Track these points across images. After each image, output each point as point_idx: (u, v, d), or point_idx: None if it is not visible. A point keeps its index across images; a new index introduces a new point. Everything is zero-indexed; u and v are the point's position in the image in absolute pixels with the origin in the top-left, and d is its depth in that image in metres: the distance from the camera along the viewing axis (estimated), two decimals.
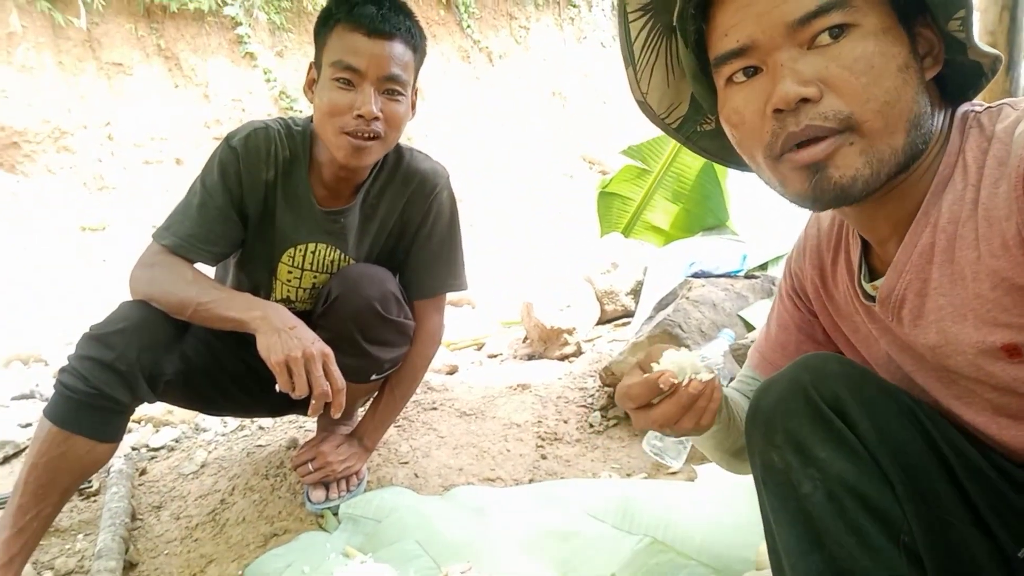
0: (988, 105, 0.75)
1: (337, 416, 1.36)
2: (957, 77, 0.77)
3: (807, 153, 0.71)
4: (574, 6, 9.90)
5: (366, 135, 1.39)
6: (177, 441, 2.11)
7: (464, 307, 3.94)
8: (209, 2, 6.76)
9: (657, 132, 3.62)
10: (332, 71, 1.37)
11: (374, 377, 1.66)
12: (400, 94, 1.42)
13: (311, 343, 1.31)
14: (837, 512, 0.80)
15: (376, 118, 1.38)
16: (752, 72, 0.74)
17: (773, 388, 0.89)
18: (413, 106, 1.50)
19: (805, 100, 0.69)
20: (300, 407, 1.82)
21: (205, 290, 1.38)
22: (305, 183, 1.53)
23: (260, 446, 1.96)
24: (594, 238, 3.76)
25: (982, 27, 2.38)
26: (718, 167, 3.28)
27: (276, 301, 1.62)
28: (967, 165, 0.73)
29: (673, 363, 0.86)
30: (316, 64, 1.44)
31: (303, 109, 7.30)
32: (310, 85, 1.46)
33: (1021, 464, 0.78)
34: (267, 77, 7.23)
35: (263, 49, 7.27)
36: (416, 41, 1.44)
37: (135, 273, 1.42)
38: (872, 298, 0.85)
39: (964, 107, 0.77)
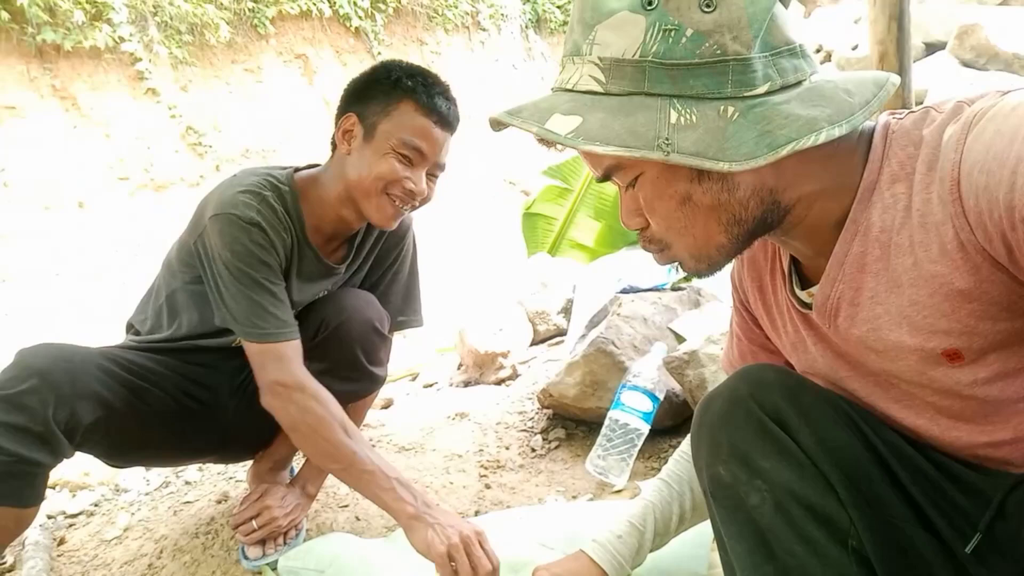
0: (910, 111, 0.76)
1: None
2: None
3: (658, 261, 0.85)
4: (483, 30, 10.01)
5: (407, 206, 1.45)
6: (96, 505, 1.98)
7: (396, 337, 3.87)
8: (106, 39, 6.51)
9: (575, 152, 3.68)
10: (397, 143, 1.40)
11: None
12: (438, 176, 1.50)
13: (464, 527, 1.32)
14: (786, 522, 0.81)
15: (423, 197, 1.46)
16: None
17: (715, 402, 0.90)
18: None
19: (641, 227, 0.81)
20: (229, 453, 1.74)
21: (361, 457, 1.35)
22: (306, 242, 1.51)
23: (187, 503, 1.86)
24: (521, 259, 3.77)
25: (872, 37, 2.51)
26: None
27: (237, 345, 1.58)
28: (894, 172, 0.73)
29: None
30: (362, 119, 1.43)
31: (212, 144, 7.10)
32: (345, 135, 1.44)
33: (961, 460, 0.80)
34: (172, 113, 7.00)
35: (166, 84, 7.04)
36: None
37: (296, 393, 1.36)
38: (808, 305, 0.86)
39: (884, 116, 0.78)
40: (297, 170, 1.54)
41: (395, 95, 1.41)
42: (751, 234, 0.78)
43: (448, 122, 1.44)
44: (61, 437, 1.26)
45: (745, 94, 0.69)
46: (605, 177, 0.79)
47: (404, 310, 1.72)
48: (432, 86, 1.43)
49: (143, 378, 1.44)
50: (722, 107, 0.68)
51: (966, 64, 5.65)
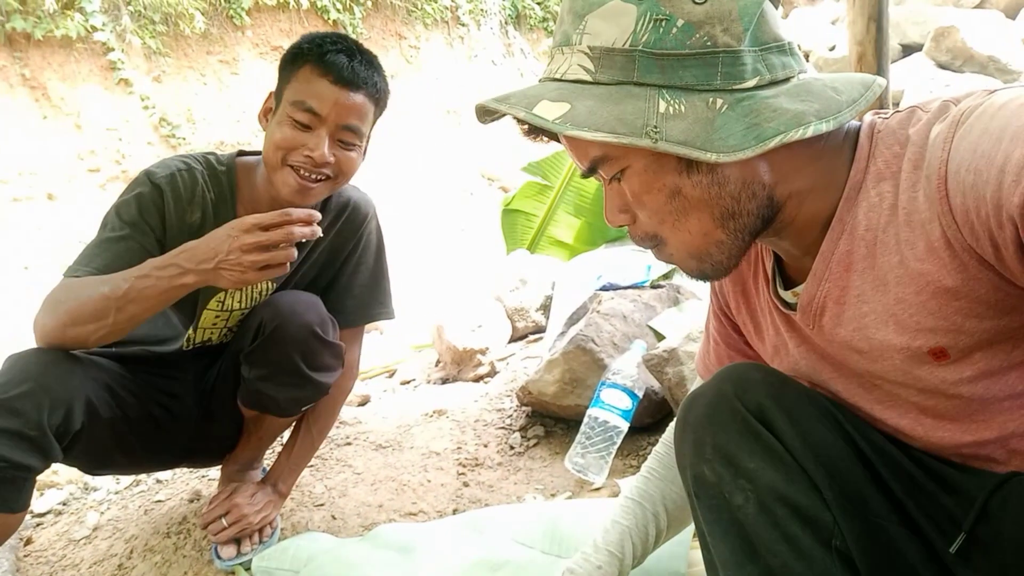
0: (896, 110, 0.76)
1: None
2: None
3: (657, 257, 0.82)
4: (463, 25, 9.96)
5: (313, 176, 1.35)
6: (65, 504, 1.93)
7: (372, 332, 3.84)
8: (77, 28, 6.38)
9: (556, 148, 3.68)
10: (292, 109, 1.33)
11: (305, 408, 1.59)
12: (354, 145, 1.39)
13: (234, 239, 1.20)
14: (769, 522, 0.80)
15: (327, 163, 1.34)
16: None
17: (698, 401, 0.89)
18: (364, 152, 1.48)
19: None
20: (197, 459, 1.70)
21: (114, 285, 1.23)
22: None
23: (158, 502, 1.82)
24: (500, 255, 3.76)
25: (851, 38, 2.52)
26: None
27: (195, 345, 1.54)
28: (880, 171, 0.73)
29: None
30: (276, 96, 1.40)
31: (186, 136, 6.99)
32: (265, 113, 1.41)
33: (945, 460, 0.80)
34: (144, 104, 6.88)
35: (139, 75, 6.92)
36: (380, 96, 1.41)
37: (41, 312, 1.27)
38: (790, 306, 0.86)
39: (869, 116, 0.77)
40: (244, 153, 1.50)
41: (296, 62, 1.36)
42: (751, 230, 0.77)
43: (349, 80, 1.33)
44: (54, 441, 1.23)
45: (734, 87, 0.69)
46: (590, 170, 0.77)
47: (370, 303, 1.65)
48: (329, 44, 1.35)
49: (122, 386, 1.42)
50: (711, 99, 0.68)
51: (942, 66, 5.73)
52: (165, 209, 1.37)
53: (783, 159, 0.73)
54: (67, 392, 1.26)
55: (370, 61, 1.38)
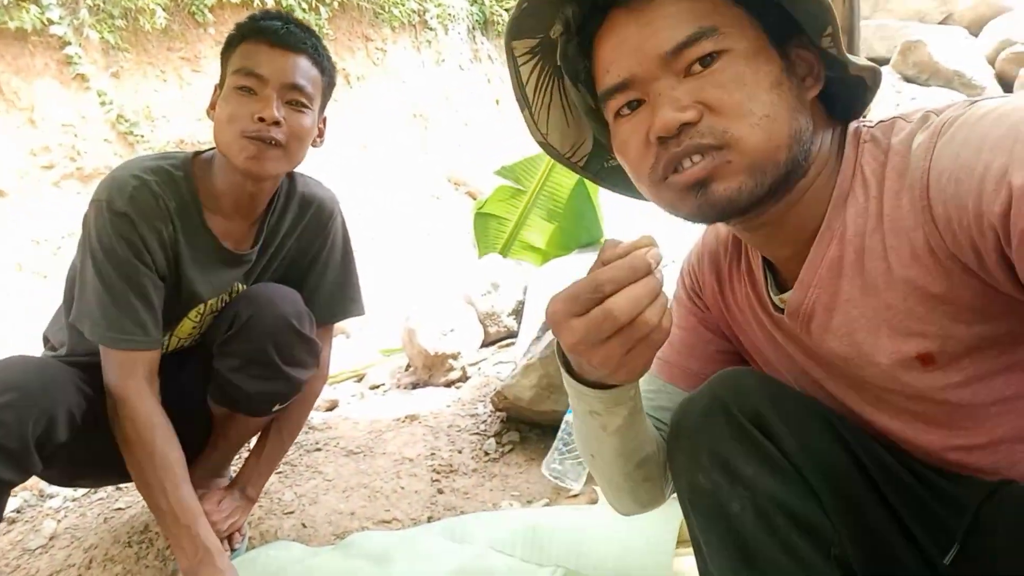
0: (880, 120, 0.77)
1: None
2: (843, 95, 0.79)
3: (689, 174, 0.72)
4: (430, 29, 9.90)
5: (268, 140, 1.30)
6: (19, 511, 1.83)
7: (338, 336, 3.77)
8: (33, 20, 6.16)
9: (529, 152, 3.66)
10: (234, 79, 1.31)
11: (276, 407, 1.53)
12: (304, 106, 1.35)
13: None
14: (768, 530, 0.78)
15: (277, 123, 1.30)
16: (636, 105, 0.75)
17: (693, 407, 0.87)
18: (321, 134, 1.44)
19: (687, 124, 0.71)
20: None
21: (158, 490, 1.31)
22: (203, 229, 1.39)
23: (119, 509, 1.74)
24: (469, 259, 3.72)
25: None
26: (590, 185, 3.35)
27: (167, 351, 1.47)
28: (866, 178, 0.74)
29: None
30: (220, 84, 1.36)
31: (144, 134, 6.81)
32: (213, 106, 1.37)
33: (935, 468, 0.80)
34: (102, 100, 6.67)
35: (96, 70, 6.71)
36: (323, 62, 1.39)
37: (122, 384, 1.32)
38: (780, 309, 0.85)
39: (854, 124, 0.78)
40: (198, 154, 1.44)
41: (233, 44, 1.36)
42: (793, 170, 0.73)
43: (285, 39, 1.32)
44: (34, 454, 1.18)
45: None
46: (686, 43, 0.70)
47: (341, 299, 1.62)
48: (260, 17, 1.35)
49: (100, 393, 1.35)
50: None
51: (908, 79, 5.89)
52: (140, 233, 1.31)
53: (815, 112, 0.76)
54: (52, 404, 1.20)
55: (307, 28, 1.38)
